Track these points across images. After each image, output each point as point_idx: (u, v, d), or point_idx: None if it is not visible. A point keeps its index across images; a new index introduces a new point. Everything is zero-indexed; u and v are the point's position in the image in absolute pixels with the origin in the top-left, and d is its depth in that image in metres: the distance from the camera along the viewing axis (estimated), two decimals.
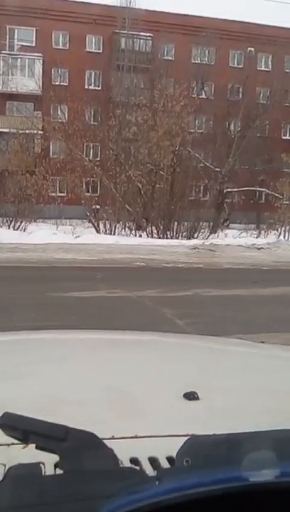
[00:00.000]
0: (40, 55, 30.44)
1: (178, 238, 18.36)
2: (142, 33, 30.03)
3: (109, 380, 1.09)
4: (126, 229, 19.07)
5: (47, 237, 15.74)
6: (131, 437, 0.81)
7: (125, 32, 29.41)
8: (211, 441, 0.60)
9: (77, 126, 20.17)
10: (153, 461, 0.75)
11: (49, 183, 19.58)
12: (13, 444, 0.69)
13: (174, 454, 0.61)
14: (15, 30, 30.62)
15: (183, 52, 30.80)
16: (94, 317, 6.30)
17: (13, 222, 18.50)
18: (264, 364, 1.39)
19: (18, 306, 6.75)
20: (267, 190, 23.43)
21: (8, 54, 30.24)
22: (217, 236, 19.06)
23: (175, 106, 19.22)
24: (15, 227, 18.39)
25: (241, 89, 28.13)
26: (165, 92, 20.39)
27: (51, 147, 23.86)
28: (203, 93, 28.90)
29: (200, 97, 26.86)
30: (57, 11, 29.22)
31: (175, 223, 19.04)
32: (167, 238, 18.19)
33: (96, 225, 19.24)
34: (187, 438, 0.62)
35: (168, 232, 18.76)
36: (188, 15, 30.82)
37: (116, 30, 29.92)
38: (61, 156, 21.43)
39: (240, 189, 23.95)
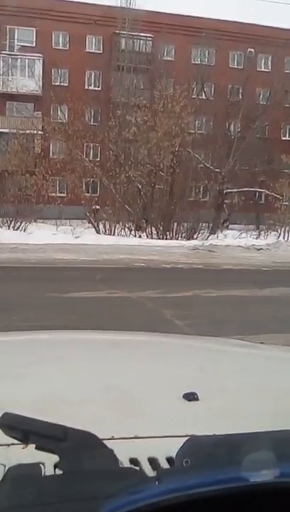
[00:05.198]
0: (40, 55, 30.42)
1: (177, 239, 18.36)
2: (142, 34, 30.01)
3: (109, 381, 1.09)
4: (126, 229, 19.07)
5: (47, 238, 15.73)
6: (131, 438, 0.81)
7: (125, 32, 29.37)
8: (211, 442, 0.60)
9: (77, 126, 20.18)
10: (153, 462, 0.75)
11: (49, 183, 19.58)
12: (13, 444, 0.70)
13: (174, 455, 0.61)
14: (16, 31, 30.60)
15: (183, 53, 30.79)
16: (94, 317, 6.30)
17: (13, 223, 18.51)
18: (264, 365, 1.39)
19: (18, 306, 6.74)
20: (267, 191, 23.43)
21: (8, 54, 30.21)
22: (217, 237, 19.07)
23: (175, 106, 19.22)
24: (15, 228, 18.40)
25: (241, 90, 28.13)
26: (165, 93, 20.39)
27: (51, 147, 23.87)
28: (203, 94, 28.87)
29: (200, 97, 26.85)
30: (57, 11, 29.19)
31: (175, 224, 19.05)
32: (166, 239, 18.19)
33: (96, 225, 19.24)
34: (186, 438, 0.62)
35: (168, 233, 18.76)
36: (188, 16, 30.80)
37: (117, 31, 29.89)
38: (61, 157, 21.44)
39: (240, 190, 23.94)
